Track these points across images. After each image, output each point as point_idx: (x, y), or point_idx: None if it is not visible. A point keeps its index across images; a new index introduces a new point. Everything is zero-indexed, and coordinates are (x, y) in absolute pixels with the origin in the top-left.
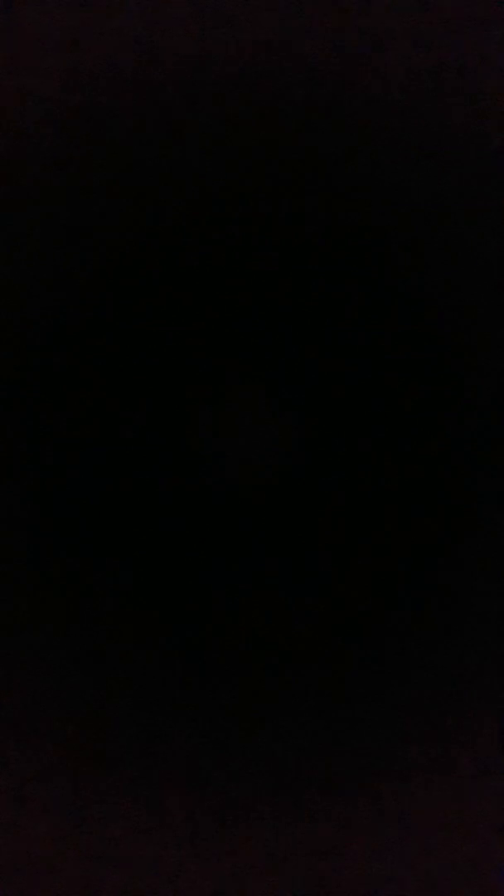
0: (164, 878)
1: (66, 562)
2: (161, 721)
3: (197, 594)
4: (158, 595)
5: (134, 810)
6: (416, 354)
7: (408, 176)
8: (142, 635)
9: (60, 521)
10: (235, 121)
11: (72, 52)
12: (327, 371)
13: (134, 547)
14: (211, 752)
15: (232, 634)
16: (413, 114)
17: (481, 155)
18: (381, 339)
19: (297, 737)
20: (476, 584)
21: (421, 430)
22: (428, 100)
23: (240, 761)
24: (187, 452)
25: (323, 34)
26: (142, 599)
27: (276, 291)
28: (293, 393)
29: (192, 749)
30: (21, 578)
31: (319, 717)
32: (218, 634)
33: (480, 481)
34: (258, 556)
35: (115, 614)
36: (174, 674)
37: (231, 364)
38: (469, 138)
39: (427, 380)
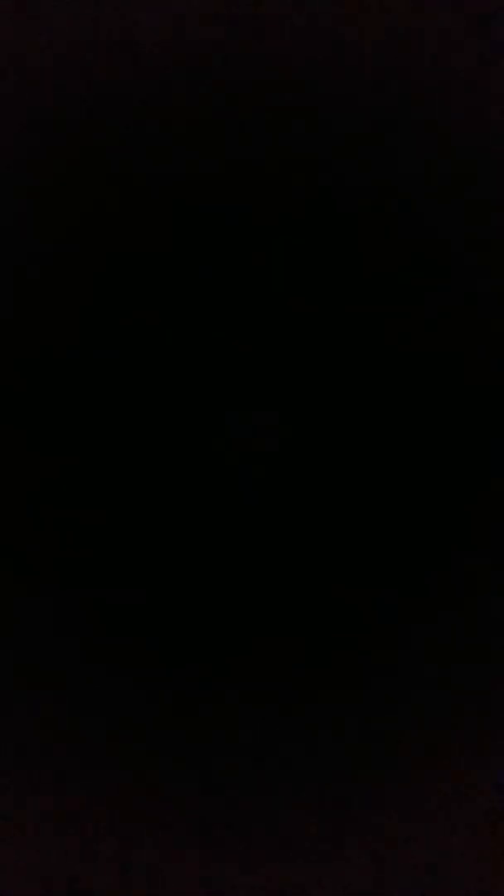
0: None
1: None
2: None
3: (199, 619)
4: (159, 601)
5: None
6: (419, 355)
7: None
8: (138, 644)
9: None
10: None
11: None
12: (329, 372)
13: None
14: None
15: (234, 648)
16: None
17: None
18: (387, 336)
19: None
20: (480, 589)
21: (423, 431)
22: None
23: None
24: (187, 453)
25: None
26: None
27: (278, 292)
28: (294, 399)
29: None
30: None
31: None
32: (220, 645)
33: (483, 484)
34: (261, 566)
35: (114, 626)
36: (173, 681)
37: (232, 372)
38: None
39: (430, 382)
